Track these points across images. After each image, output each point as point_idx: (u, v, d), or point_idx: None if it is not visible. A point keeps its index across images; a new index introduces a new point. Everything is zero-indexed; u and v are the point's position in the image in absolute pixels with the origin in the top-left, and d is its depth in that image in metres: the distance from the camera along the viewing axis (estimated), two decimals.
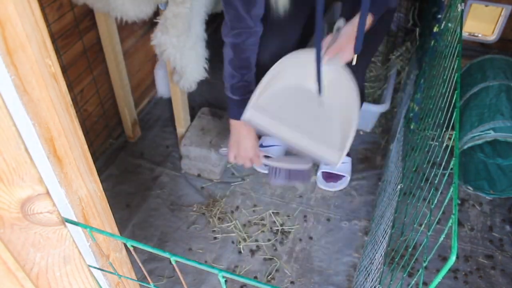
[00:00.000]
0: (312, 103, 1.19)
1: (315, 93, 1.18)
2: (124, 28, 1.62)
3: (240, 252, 1.42)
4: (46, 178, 0.45)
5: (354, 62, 1.13)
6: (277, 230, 1.47)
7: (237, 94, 1.28)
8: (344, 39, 1.12)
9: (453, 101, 0.79)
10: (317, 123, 1.18)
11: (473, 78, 1.68)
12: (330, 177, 1.62)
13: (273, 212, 1.53)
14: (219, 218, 1.51)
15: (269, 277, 1.36)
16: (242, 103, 1.22)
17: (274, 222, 1.50)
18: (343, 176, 1.61)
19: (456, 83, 0.82)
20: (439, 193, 0.87)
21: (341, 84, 1.14)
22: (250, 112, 1.17)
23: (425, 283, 1.32)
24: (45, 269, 0.51)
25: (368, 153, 1.71)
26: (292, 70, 1.19)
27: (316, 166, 1.37)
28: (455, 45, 0.95)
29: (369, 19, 1.13)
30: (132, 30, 1.71)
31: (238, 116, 1.27)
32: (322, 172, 1.63)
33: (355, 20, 1.10)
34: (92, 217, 0.54)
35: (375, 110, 1.69)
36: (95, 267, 0.57)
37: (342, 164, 1.61)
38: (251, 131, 1.34)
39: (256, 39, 1.25)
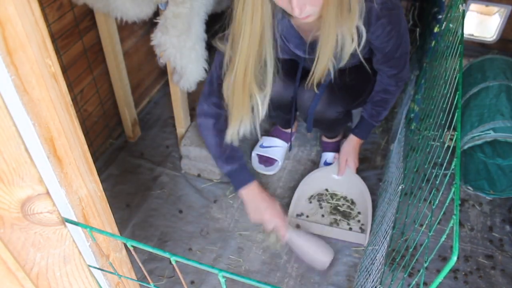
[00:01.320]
0: None
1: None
2: (124, 28, 1.62)
3: (240, 252, 1.41)
4: (46, 178, 0.45)
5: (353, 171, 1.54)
6: None
7: (232, 163, 1.34)
8: (343, 156, 1.53)
9: (455, 102, 0.79)
10: None
11: (473, 78, 1.68)
12: (265, 160, 1.67)
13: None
14: (219, 218, 1.51)
15: (269, 277, 1.35)
16: (241, 169, 1.34)
17: None
18: (276, 160, 1.66)
19: (458, 83, 0.82)
20: (440, 193, 0.86)
21: (357, 186, 1.53)
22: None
23: (425, 283, 1.32)
24: (45, 269, 0.51)
25: (368, 153, 1.71)
26: (314, 183, 1.56)
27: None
28: (456, 46, 0.95)
29: (357, 141, 1.51)
30: (132, 30, 1.71)
31: (243, 183, 1.34)
32: (257, 154, 1.67)
33: (349, 138, 1.51)
34: (92, 217, 0.54)
35: None
36: (95, 267, 0.57)
37: (275, 149, 1.67)
38: (264, 193, 1.34)
39: None
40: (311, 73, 1.24)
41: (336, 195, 1.55)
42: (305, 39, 1.23)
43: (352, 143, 1.51)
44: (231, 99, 1.22)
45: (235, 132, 1.27)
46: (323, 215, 1.50)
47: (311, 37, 1.20)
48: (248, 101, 1.22)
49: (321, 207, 1.52)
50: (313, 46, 1.21)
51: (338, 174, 1.54)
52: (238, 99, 1.21)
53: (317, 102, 1.36)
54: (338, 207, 1.51)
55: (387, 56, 1.27)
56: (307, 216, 1.49)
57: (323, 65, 1.18)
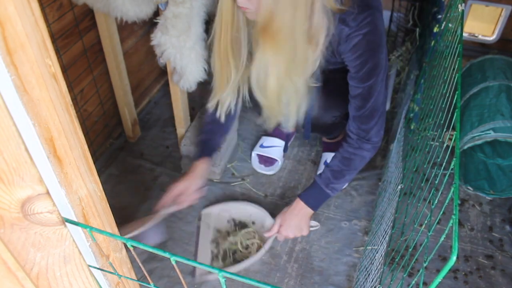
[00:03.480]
0: None
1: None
2: (124, 28, 1.62)
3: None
4: (46, 178, 0.45)
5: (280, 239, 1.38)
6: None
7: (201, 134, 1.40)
8: (278, 220, 1.34)
9: (454, 102, 0.79)
10: None
11: (473, 78, 1.68)
12: (265, 160, 1.66)
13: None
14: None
15: (269, 277, 1.36)
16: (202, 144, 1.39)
17: None
18: (276, 160, 1.65)
19: (457, 83, 0.82)
20: (439, 193, 0.87)
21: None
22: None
23: (425, 283, 1.32)
24: (45, 269, 0.51)
25: None
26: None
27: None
28: (455, 46, 0.95)
29: (302, 209, 1.30)
30: (132, 30, 1.71)
31: (196, 157, 1.38)
32: (257, 154, 1.66)
33: (294, 202, 1.32)
34: (92, 217, 0.54)
35: None
36: (95, 267, 0.57)
37: (275, 149, 1.66)
38: (193, 173, 1.34)
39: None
40: None
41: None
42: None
43: (295, 209, 1.31)
44: (214, 69, 1.22)
45: (215, 101, 1.29)
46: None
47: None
48: (226, 69, 1.19)
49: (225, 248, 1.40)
50: None
51: (266, 233, 1.37)
52: (218, 68, 1.20)
53: (312, 108, 1.35)
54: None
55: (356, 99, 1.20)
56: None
57: None
